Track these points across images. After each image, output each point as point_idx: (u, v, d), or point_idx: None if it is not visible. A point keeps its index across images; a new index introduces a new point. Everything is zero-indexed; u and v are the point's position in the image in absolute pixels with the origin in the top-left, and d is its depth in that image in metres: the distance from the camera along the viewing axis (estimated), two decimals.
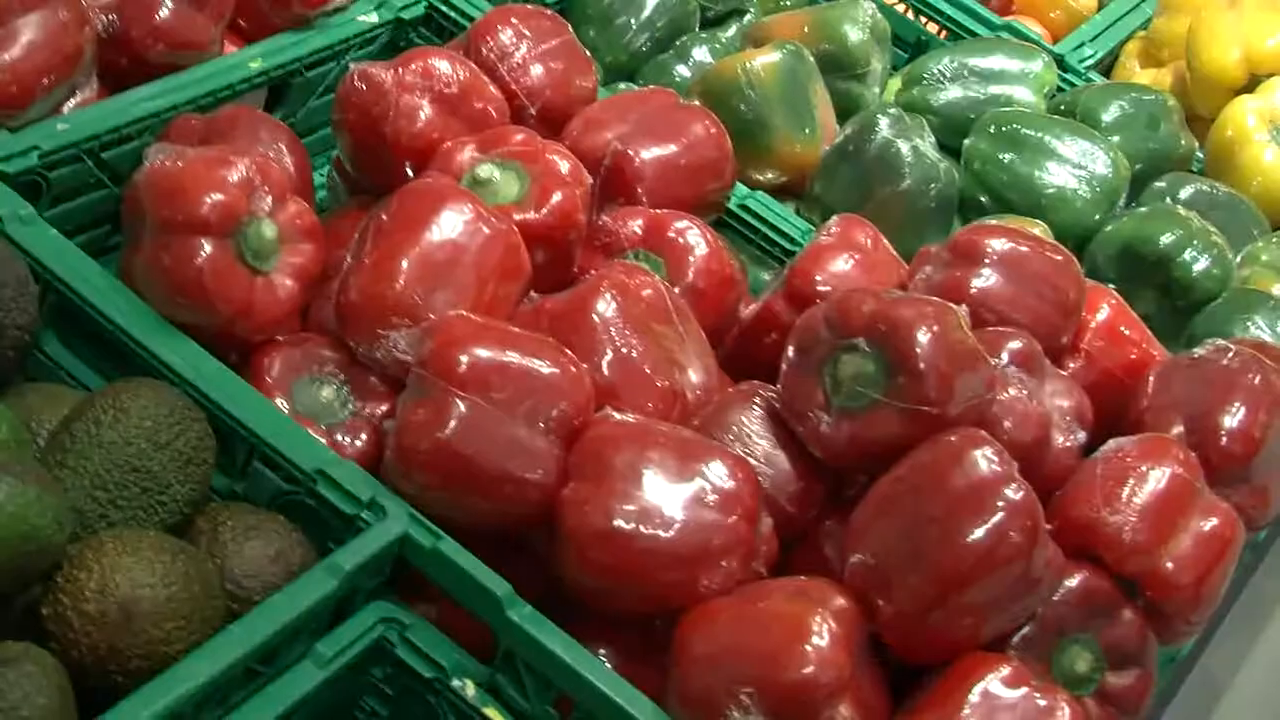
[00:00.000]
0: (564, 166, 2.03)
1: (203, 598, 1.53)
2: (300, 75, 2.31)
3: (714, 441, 1.83)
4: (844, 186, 2.54)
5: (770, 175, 2.60)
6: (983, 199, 2.66)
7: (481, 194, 1.97)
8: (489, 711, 1.67)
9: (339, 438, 1.82)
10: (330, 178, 2.34)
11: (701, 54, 2.84)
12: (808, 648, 1.61)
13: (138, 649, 1.47)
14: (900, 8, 3.20)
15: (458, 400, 1.72)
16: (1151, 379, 2.07)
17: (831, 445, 1.83)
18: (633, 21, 2.83)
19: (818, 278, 2.08)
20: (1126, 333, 2.17)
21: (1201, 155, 2.99)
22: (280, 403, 1.83)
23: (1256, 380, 2.00)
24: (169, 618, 1.49)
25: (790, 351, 1.88)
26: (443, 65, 2.10)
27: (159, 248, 1.79)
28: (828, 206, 2.49)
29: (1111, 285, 2.33)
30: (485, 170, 2.00)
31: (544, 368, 1.77)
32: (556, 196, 2.00)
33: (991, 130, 2.70)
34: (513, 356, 1.76)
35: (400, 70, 2.08)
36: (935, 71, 2.88)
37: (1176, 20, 3.25)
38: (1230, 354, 2.04)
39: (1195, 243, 2.52)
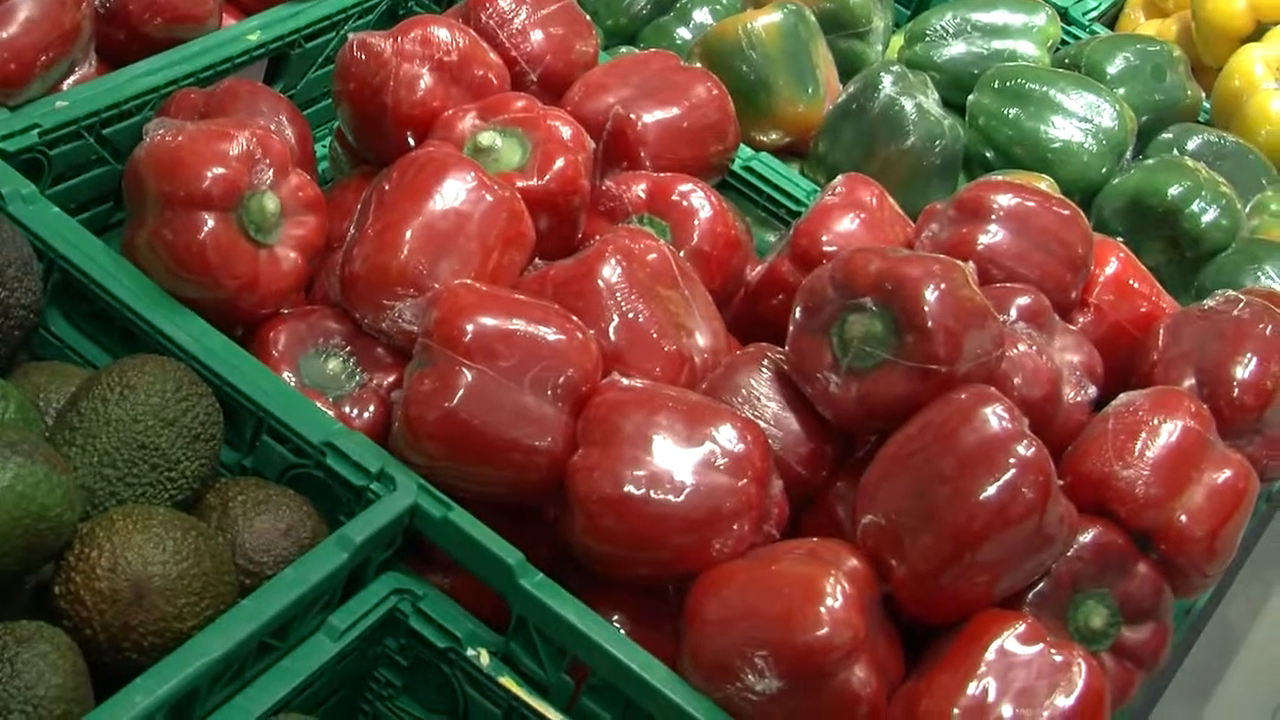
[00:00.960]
0: (566, 132, 2.02)
1: (214, 573, 1.53)
2: (299, 47, 2.30)
3: (723, 405, 1.83)
4: (848, 146, 2.52)
5: (774, 136, 2.59)
6: (988, 155, 2.65)
7: (483, 161, 1.96)
8: (504, 680, 1.67)
9: (346, 410, 1.82)
10: (332, 149, 2.33)
11: (702, 15, 2.82)
12: (821, 609, 1.61)
13: (151, 626, 1.47)
14: None
15: (464, 369, 1.71)
16: (1161, 332, 2.06)
17: (841, 406, 1.83)
18: None
19: (824, 238, 2.08)
20: (1135, 286, 2.16)
21: (1208, 105, 2.98)
22: (287, 376, 1.82)
23: (1268, 330, 1.99)
24: (181, 594, 1.49)
25: (797, 312, 1.87)
26: (442, 33, 2.09)
27: (162, 223, 1.79)
28: (832, 166, 2.48)
29: (1119, 238, 2.32)
30: (487, 138, 1.99)
31: (550, 335, 1.76)
32: (559, 163, 1.99)
33: (996, 85, 2.68)
34: (519, 324, 1.75)
35: (399, 39, 2.06)
36: (938, 27, 2.86)
37: None
38: (1241, 305, 2.03)
39: (1203, 193, 2.51)
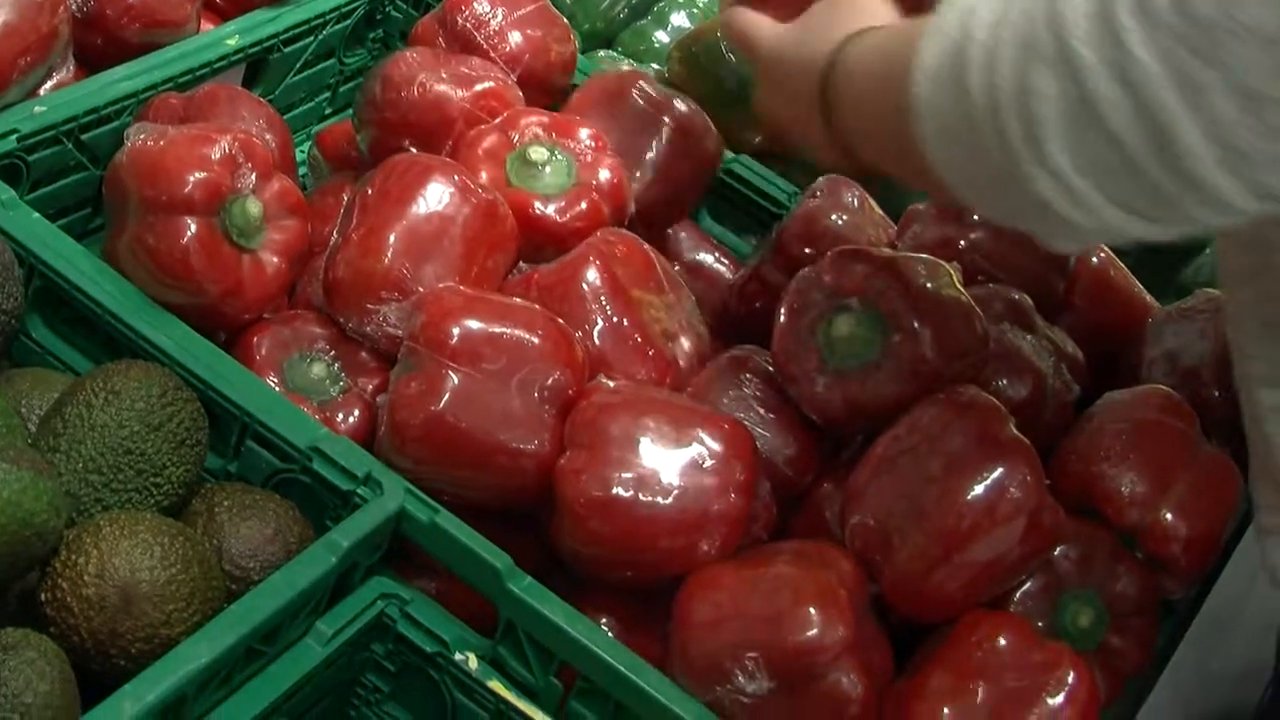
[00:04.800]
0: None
1: (202, 579, 1.52)
2: (278, 51, 2.28)
3: (709, 407, 1.82)
4: None
5: (754, 138, 2.59)
6: None
7: (524, 173, 1.98)
8: (492, 684, 1.67)
9: (331, 415, 1.81)
10: (311, 154, 2.33)
11: (680, 19, 2.83)
12: (811, 610, 1.61)
13: (138, 632, 1.46)
14: None
15: (450, 372, 1.71)
16: (1144, 330, 2.07)
17: (827, 407, 1.83)
18: None
19: (807, 240, 2.08)
20: (1117, 285, 2.17)
21: None
22: (271, 381, 1.81)
23: None
24: (169, 600, 1.48)
25: (783, 314, 1.87)
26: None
27: (143, 228, 1.77)
28: (812, 168, 2.48)
29: None
30: (539, 152, 2.00)
31: (536, 338, 1.76)
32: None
33: None
34: (505, 327, 1.75)
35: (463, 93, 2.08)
36: None
37: None
38: (1221, 304, 2.04)
39: None
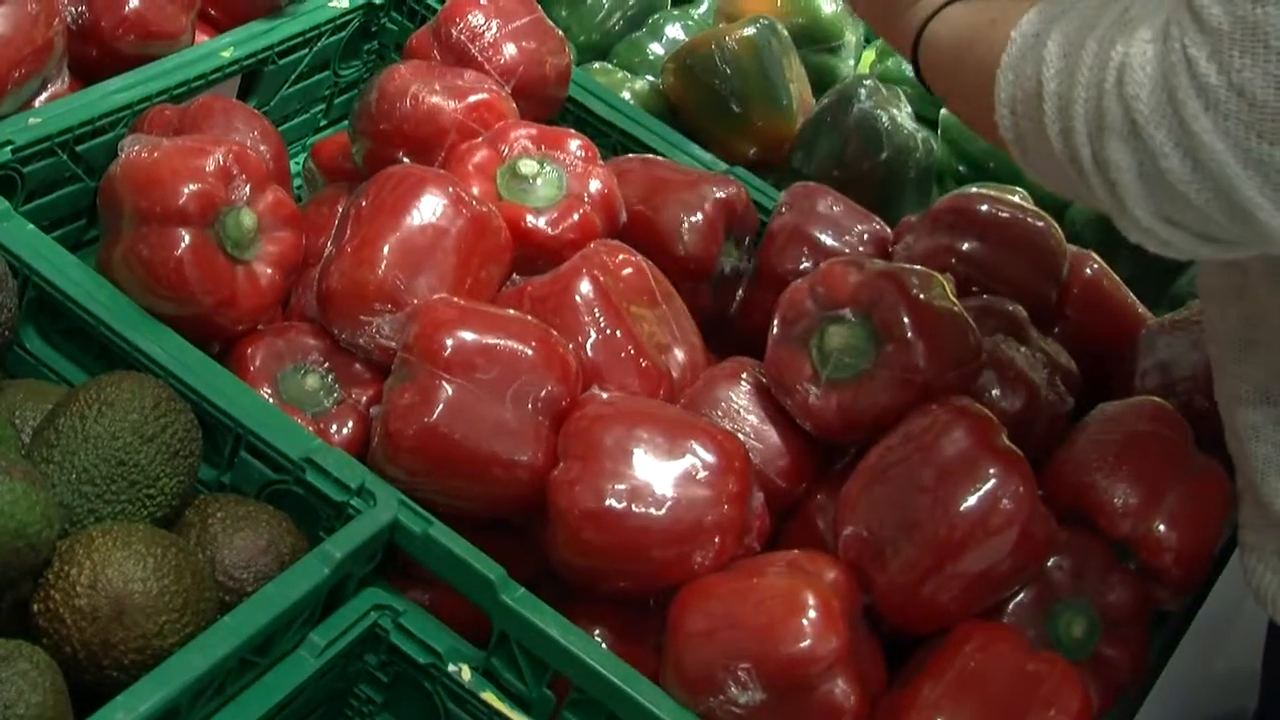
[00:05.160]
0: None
1: (195, 590, 1.52)
2: (273, 63, 2.29)
3: (703, 418, 1.83)
4: (822, 159, 2.53)
5: (748, 149, 2.60)
6: (961, 168, 2.67)
7: (514, 186, 1.98)
8: (486, 695, 1.66)
9: (325, 426, 1.81)
10: (306, 166, 2.33)
11: (675, 31, 2.83)
12: (804, 621, 1.61)
13: (131, 643, 1.46)
14: None
15: (444, 383, 1.71)
16: (1137, 342, 2.07)
17: (820, 417, 1.83)
18: (604, 0, 2.82)
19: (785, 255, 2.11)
20: (1110, 296, 2.17)
21: None
22: (265, 392, 1.81)
23: None
24: (162, 611, 1.48)
25: (776, 325, 1.87)
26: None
27: (137, 239, 1.78)
28: (806, 179, 2.49)
29: (1093, 249, 2.32)
30: (529, 165, 2.00)
31: (530, 349, 1.76)
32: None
33: None
34: (498, 338, 1.75)
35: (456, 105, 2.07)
36: None
37: None
38: None
39: None
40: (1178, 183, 1.28)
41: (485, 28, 2.24)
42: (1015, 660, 1.68)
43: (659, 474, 1.71)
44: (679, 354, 1.95)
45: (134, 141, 1.83)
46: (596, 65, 2.73)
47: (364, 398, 1.84)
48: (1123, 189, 1.33)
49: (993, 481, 1.68)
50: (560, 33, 2.36)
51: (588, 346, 1.85)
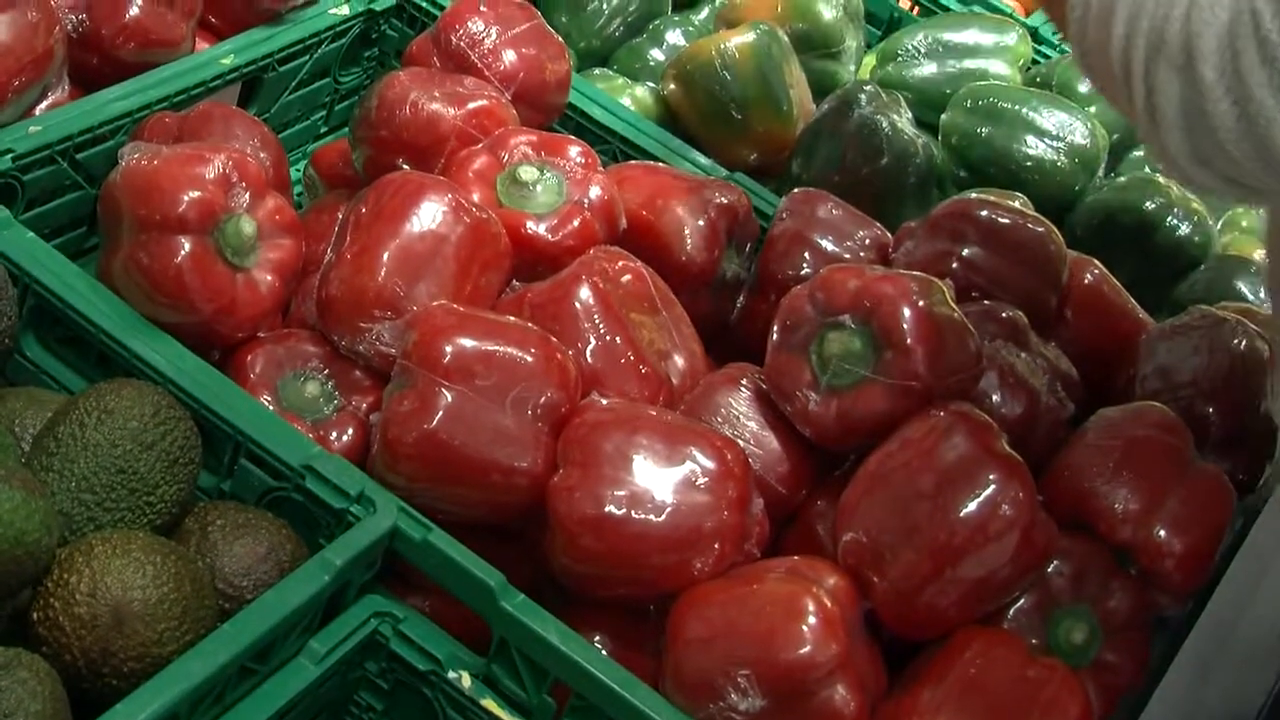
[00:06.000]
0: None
1: (195, 598, 1.52)
2: (273, 70, 2.29)
3: (703, 424, 1.83)
4: (822, 164, 2.53)
5: (748, 155, 2.59)
6: (961, 174, 2.66)
7: (514, 193, 1.98)
8: (486, 702, 1.66)
9: (325, 433, 1.81)
10: (306, 173, 2.33)
11: (675, 37, 2.83)
12: (803, 627, 1.61)
13: (131, 651, 1.46)
14: None
15: (443, 390, 1.71)
16: (1137, 347, 2.07)
17: (820, 424, 1.83)
18: (604, 6, 2.81)
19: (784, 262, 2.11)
20: (1111, 301, 2.17)
21: None
22: (265, 399, 1.82)
23: (1241, 345, 2.00)
24: (161, 619, 1.48)
25: (776, 332, 1.87)
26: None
27: (137, 247, 1.78)
28: (807, 185, 2.49)
29: (1093, 255, 2.32)
30: (529, 172, 2.00)
31: (529, 356, 1.76)
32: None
33: (968, 105, 2.69)
34: (497, 345, 1.75)
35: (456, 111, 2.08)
36: (910, 47, 2.87)
37: None
38: (1214, 320, 2.04)
39: (1176, 210, 2.53)
40: (1220, 128, 1.29)
41: (485, 34, 2.24)
42: (1015, 666, 1.68)
43: (658, 480, 1.71)
44: (679, 360, 1.95)
45: (134, 149, 1.83)
46: (597, 71, 2.73)
47: (364, 405, 1.84)
48: (1162, 116, 1.34)
49: (993, 487, 1.68)
50: (560, 39, 2.36)
51: (587, 353, 1.85)
